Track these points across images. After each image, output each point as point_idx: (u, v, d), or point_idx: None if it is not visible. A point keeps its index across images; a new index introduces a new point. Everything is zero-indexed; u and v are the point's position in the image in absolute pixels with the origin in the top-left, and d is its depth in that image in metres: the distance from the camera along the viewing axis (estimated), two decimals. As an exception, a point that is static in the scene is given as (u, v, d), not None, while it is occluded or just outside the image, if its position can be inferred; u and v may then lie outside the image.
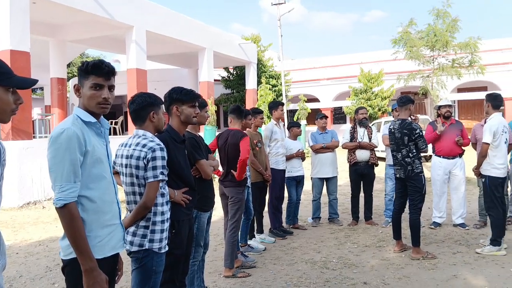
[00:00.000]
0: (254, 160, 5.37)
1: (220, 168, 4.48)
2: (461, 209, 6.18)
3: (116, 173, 2.72)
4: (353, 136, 6.60)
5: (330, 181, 6.66)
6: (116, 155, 2.71)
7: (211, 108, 14.81)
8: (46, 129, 14.02)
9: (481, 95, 5.48)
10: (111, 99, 2.14)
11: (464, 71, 17.15)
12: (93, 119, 2.11)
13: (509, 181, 6.10)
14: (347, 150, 6.65)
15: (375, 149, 6.58)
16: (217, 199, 4.07)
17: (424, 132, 5.53)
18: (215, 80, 19.01)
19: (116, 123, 16.54)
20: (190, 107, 3.04)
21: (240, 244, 5.00)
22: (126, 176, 2.61)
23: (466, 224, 6.14)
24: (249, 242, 5.40)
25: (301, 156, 6.46)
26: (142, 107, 2.66)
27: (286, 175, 6.20)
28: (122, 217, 2.32)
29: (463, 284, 4.06)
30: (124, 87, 13.45)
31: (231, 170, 4.46)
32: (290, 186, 6.40)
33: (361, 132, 6.58)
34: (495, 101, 5.15)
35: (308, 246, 5.53)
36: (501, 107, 5.25)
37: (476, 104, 22.50)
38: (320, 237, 5.94)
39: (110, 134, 15.92)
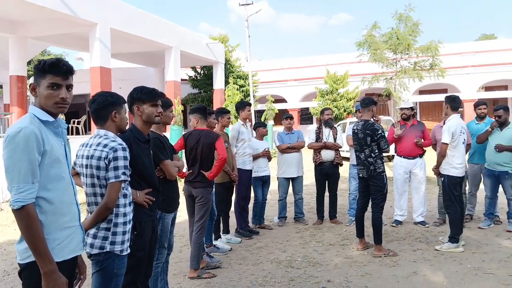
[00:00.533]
0: (220, 160, 5.36)
1: (185, 169, 4.44)
2: (421, 208, 6.38)
3: (77, 174, 2.66)
4: (318, 137, 6.70)
5: (296, 181, 6.74)
6: (76, 155, 2.65)
7: (178, 108, 14.65)
8: (5, 128, 13.48)
9: (442, 97, 5.68)
10: (69, 98, 2.09)
11: (426, 74, 17.70)
12: (50, 118, 2.05)
13: (467, 181, 6.36)
14: (312, 150, 6.74)
15: (340, 149, 6.70)
16: (182, 200, 4.04)
17: (386, 132, 5.67)
18: (182, 79, 18.83)
19: (78, 123, 16.10)
20: (151, 106, 2.99)
21: (205, 245, 4.98)
22: (86, 177, 2.55)
23: (426, 222, 6.35)
24: (215, 242, 5.38)
25: (267, 155, 6.49)
26: (104, 107, 2.61)
27: (252, 175, 6.22)
28: (82, 219, 2.27)
29: (423, 281, 4.19)
30: (87, 86, 13.11)
31: (201, 171, 4.44)
32: (256, 186, 6.42)
33: (327, 133, 6.69)
34: (454, 103, 5.35)
35: (274, 245, 5.57)
36: (460, 109, 5.45)
37: (437, 105, 23.28)
38: (286, 236, 6.00)
39: (72, 134, 15.52)
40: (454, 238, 5.11)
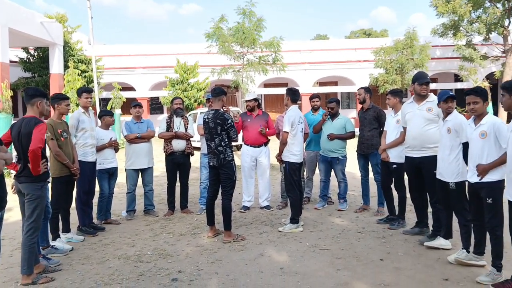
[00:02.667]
0: (59, 152, 4.86)
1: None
2: (266, 193, 6.79)
3: None
4: (169, 126, 6.57)
5: (146, 172, 6.51)
6: None
7: (6, 94, 12.83)
8: None
9: (283, 90, 6.16)
10: None
11: (269, 68, 18.87)
12: None
13: (305, 167, 6.98)
14: (163, 140, 6.59)
15: (191, 139, 6.68)
16: (14, 198, 3.52)
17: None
18: (11, 61, 16.53)
19: None
20: None
21: (41, 246, 4.46)
22: None
23: (271, 206, 6.78)
24: (52, 243, 4.86)
25: (114, 146, 6.12)
26: None
27: (97, 168, 5.79)
28: None
29: (268, 261, 4.46)
30: None
31: (28, 164, 3.92)
32: (102, 179, 6.01)
33: (178, 122, 6.60)
34: (294, 96, 5.81)
35: (122, 241, 5.29)
36: (299, 101, 5.94)
37: (279, 98, 25.10)
38: (135, 230, 5.76)
39: None
40: (294, 219, 5.57)
